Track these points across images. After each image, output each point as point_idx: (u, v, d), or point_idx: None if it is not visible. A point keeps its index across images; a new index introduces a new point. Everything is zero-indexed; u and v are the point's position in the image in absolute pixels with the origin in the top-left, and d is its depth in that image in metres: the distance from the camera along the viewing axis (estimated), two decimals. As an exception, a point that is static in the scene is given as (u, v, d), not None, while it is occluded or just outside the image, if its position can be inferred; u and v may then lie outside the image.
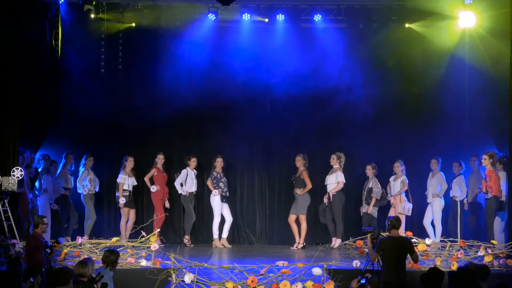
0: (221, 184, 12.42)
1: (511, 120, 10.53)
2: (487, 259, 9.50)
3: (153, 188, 12.32)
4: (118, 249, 8.65)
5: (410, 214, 12.01)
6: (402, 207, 11.88)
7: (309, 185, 12.13)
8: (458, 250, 9.82)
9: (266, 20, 13.04)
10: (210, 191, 12.45)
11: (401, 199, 11.98)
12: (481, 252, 9.76)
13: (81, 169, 12.34)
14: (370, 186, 12.00)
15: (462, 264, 8.79)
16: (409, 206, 11.97)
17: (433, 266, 7.85)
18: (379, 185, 11.98)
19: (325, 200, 12.34)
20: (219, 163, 12.45)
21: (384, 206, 12.13)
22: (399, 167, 12.08)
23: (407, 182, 12.02)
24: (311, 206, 12.42)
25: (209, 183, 12.46)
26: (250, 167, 13.33)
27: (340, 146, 12.60)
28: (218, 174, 12.47)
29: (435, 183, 12.05)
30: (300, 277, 8.48)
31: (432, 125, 12.74)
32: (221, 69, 12.89)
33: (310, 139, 13.04)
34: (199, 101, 12.89)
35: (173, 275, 8.48)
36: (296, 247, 12.11)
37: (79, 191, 12.32)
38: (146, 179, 12.40)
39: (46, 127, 12.47)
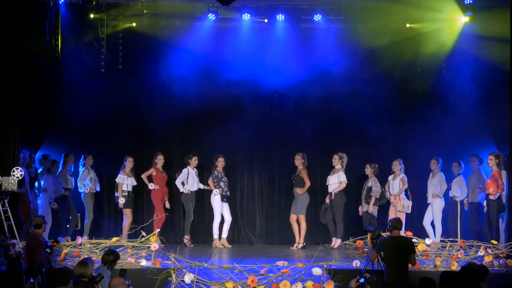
0: (221, 184, 12.42)
1: (511, 120, 10.53)
2: (487, 259, 9.49)
3: (151, 186, 12.30)
4: (118, 249, 8.70)
5: (409, 211, 11.97)
6: (401, 205, 11.87)
7: (308, 183, 12.12)
8: (458, 250, 9.81)
9: (266, 20, 13.05)
10: (210, 191, 12.46)
11: (400, 197, 11.97)
12: (481, 252, 9.75)
13: (81, 168, 12.35)
14: (369, 185, 11.99)
15: (462, 264, 8.79)
16: (409, 203, 11.95)
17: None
18: (379, 184, 11.97)
19: (327, 200, 12.34)
20: (220, 162, 12.45)
21: (384, 205, 12.12)
22: (397, 165, 12.07)
23: (406, 180, 12.02)
24: (311, 206, 12.42)
25: (210, 182, 12.46)
26: (250, 167, 13.33)
27: (341, 146, 12.60)
28: (219, 174, 12.47)
29: (435, 184, 12.04)
30: (300, 277, 8.48)
31: (432, 125, 12.73)
32: (220, 69, 12.87)
33: (310, 139, 13.01)
34: (199, 101, 12.89)
35: (173, 275, 8.48)
36: (296, 247, 12.11)
37: (80, 190, 12.31)
38: (144, 176, 12.37)
39: (46, 127, 12.47)
